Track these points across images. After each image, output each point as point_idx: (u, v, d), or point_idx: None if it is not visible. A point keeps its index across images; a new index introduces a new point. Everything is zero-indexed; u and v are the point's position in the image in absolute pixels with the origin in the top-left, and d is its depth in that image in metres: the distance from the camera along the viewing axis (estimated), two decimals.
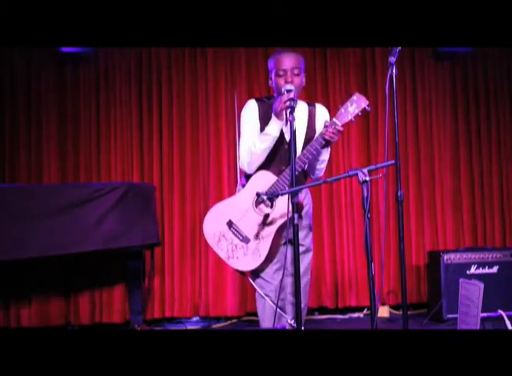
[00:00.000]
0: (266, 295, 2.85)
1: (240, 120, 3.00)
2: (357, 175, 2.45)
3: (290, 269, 2.76)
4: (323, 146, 2.73)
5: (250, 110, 2.93)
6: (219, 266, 4.63)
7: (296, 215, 2.49)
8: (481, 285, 3.26)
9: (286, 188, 2.71)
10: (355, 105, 2.67)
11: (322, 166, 2.92)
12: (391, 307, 4.81)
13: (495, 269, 4.39)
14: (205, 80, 4.85)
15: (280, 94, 2.81)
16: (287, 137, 2.83)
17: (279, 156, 2.84)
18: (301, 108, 2.90)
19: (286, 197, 2.60)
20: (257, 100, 2.97)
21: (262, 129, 2.85)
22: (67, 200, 3.70)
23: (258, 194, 2.72)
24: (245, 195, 2.87)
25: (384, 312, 4.69)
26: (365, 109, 2.68)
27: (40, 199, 3.65)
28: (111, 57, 4.77)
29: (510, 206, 5.13)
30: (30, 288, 4.47)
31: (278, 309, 2.78)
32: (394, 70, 2.56)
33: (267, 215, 2.79)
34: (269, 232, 2.78)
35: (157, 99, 4.80)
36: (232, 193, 4.64)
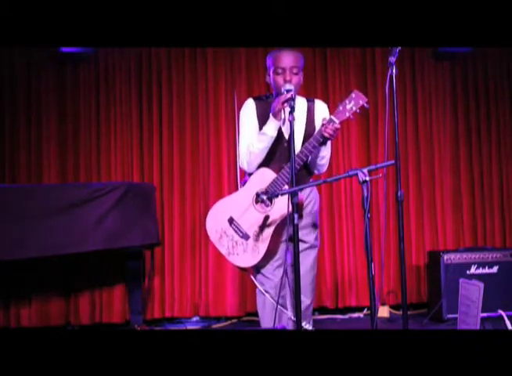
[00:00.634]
0: (266, 292, 2.86)
1: (239, 119, 3.01)
2: (357, 175, 2.45)
3: (291, 267, 2.77)
4: (321, 143, 2.73)
5: (248, 110, 2.94)
6: (219, 266, 4.63)
7: (296, 215, 2.49)
8: (481, 285, 3.26)
9: (286, 185, 2.73)
10: (354, 102, 2.67)
11: (323, 162, 2.92)
12: (391, 307, 4.81)
13: (495, 269, 4.39)
14: (205, 80, 4.85)
15: (279, 92, 2.82)
16: (286, 135, 2.84)
17: (278, 153, 2.85)
18: (300, 104, 2.90)
19: (280, 196, 2.62)
20: (255, 99, 2.98)
21: (261, 127, 2.87)
22: (67, 200, 3.70)
23: (258, 194, 2.73)
24: (246, 192, 2.89)
25: (383, 312, 4.69)
26: (363, 106, 2.68)
27: (40, 199, 3.65)
28: (111, 57, 4.77)
29: (510, 206, 5.13)
30: (30, 288, 4.47)
31: (279, 306, 2.79)
32: (394, 70, 2.56)
33: (266, 213, 2.81)
34: (268, 229, 2.80)
35: (157, 99, 4.80)
36: (232, 192, 4.65)
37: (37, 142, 4.65)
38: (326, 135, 2.68)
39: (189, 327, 4.62)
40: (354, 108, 2.67)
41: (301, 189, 2.76)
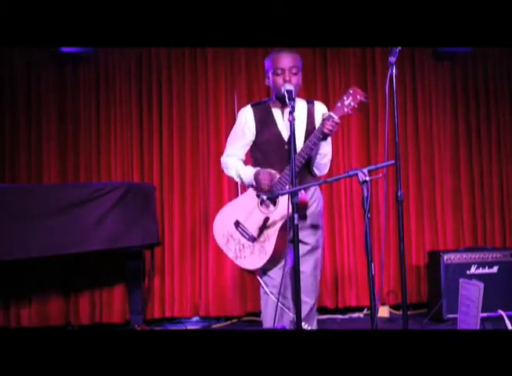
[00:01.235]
0: (270, 291, 2.85)
1: (235, 123, 3.04)
2: (357, 175, 2.45)
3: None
4: (321, 139, 2.74)
5: (243, 119, 2.96)
6: (219, 266, 4.63)
7: (296, 216, 2.49)
8: (481, 285, 3.26)
9: (288, 185, 2.74)
10: (352, 98, 2.68)
11: (325, 161, 2.92)
12: (391, 307, 4.81)
13: (495, 269, 4.39)
14: (205, 80, 4.85)
15: (278, 93, 2.82)
16: (286, 138, 2.85)
17: (280, 156, 2.85)
18: (300, 106, 2.91)
19: (280, 196, 2.63)
20: (253, 105, 2.99)
21: (258, 132, 2.91)
22: (67, 200, 3.71)
23: (258, 195, 2.73)
24: (251, 194, 2.91)
25: (383, 312, 4.69)
26: (361, 101, 2.69)
27: (40, 199, 3.65)
28: (111, 57, 4.77)
29: (510, 206, 5.13)
30: (30, 288, 4.47)
31: (282, 306, 2.79)
32: (394, 70, 2.56)
33: (271, 214, 2.81)
34: (273, 230, 2.80)
35: (157, 99, 4.80)
36: (232, 192, 4.66)
37: (37, 142, 4.65)
38: (325, 130, 2.69)
39: (189, 327, 4.63)
40: (352, 103, 2.68)
41: (303, 189, 2.76)
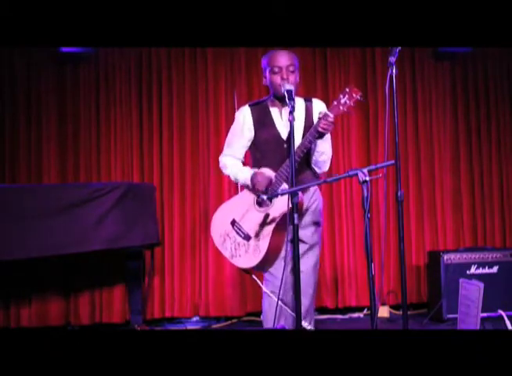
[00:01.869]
0: (274, 291, 2.84)
1: (233, 123, 3.04)
2: (357, 175, 2.45)
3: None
4: (317, 138, 2.74)
5: (241, 119, 2.97)
6: (219, 266, 4.63)
7: (296, 215, 2.49)
8: (481, 285, 3.26)
9: (284, 182, 2.74)
10: (348, 96, 2.68)
11: (323, 158, 2.92)
12: (391, 307, 4.81)
13: (495, 269, 4.39)
14: (205, 80, 4.85)
15: (276, 91, 2.83)
16: (284, 137, 2.86)
17: (278, 155, 2.85)
18: (298, 104, 2.90)
19: (280, 196, 2.63)
20: (251, 105, 3.00)
21: (256, 131, 2.92)
22: (67, 200, 3.71)
23: (258, 195, 2.73)
24: (247, 193, 2.93)
25: (384, 312, 4.69)
26: (358, 100, 2.69)
27: (40, 199, 3.65)
28: (111, 57, 4.77)
29: (510, 206, 5.13)
30: (30, 288, 4.47)
31: (285, 307, 2.79)
32: (394, 70, 2.56)
33: (266, 212, 2.81)
34: (268, 228, 2.81)
35: (157, 99, 4.80)
36: (232, 192, 4.65)
37: (37, 142, 4.65)
38: (320, 129, 2.69)
39: (189, 327, 4.62)
40: (348, 102, 2.68)
41: (302, 189, 2.77)
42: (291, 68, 2.82)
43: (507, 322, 3.57)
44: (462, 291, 3.48)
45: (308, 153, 2.85)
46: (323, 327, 4.49)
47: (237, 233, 2.88)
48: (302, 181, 2.76)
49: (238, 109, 3.12)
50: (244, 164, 3.06)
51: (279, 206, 2.77)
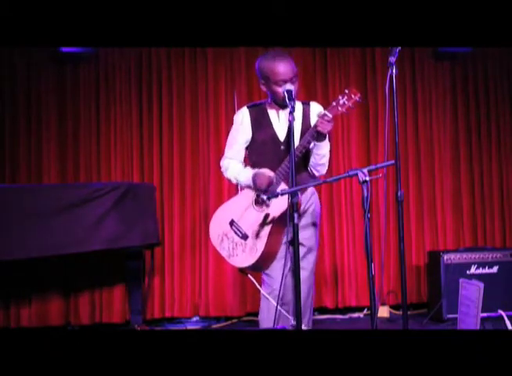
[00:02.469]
0: (274, 290, 2.83)
1: (232, 126, 3.05)
2: (357, 175, 2.45)
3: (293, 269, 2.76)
4: (315, 138, 2.75)
5: (240, 121, 2.98)
6: (219, 266, 4.63)
7: (296, 215, 2.49)
8: (481, 285, 3.26)
9: (283, 182, 2.75)
10: (347, 97, 2.69)
11: (323, 161, 2.92)
12: (391, 307, 4.81)
13: (495, 269, 4.39)
14: (205, 80, 4.85)
15: (278, 101, 2.84)
16: (281, 138, 2.86)
17: (276, 157, 2.86)
18: (296, 107, 2.90)
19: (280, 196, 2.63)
20: (249, 107, 3.01)
21: (254, 133, 2.93)
22: (67, 200, 3.71)
23: (258, 195, 2.74)
24: (245, 193, 2.94)
25: (383, 312, 4.69)
26: (356, 101, 2.69)
27: (40, 199, 3.65)
28: (111, 57, 4.77)
29: (510, 206, 5.13)
30: (30, 288, 4.47)
31: (281, 310, 2.79)
32: (394, 70, 2.57)
33: (264, 212, 2.82)
34: (266, 228, 2.82)
35: (157, 99, 4.80)
36: (231, 192, 4.65)
37: (37, 142, 4.65)
38: (319, 129, 2.70)
39: (189, 327, 4.62)
40: (347, 103, 2.69)
41: (302, 190, 2.77)
42: (294, 79, 2.82)
43: (507, 322, 3.56)
44: (462, 291, 3.48)
45: (305, 155, 2.85)
46: (323, 327, 4.49)
47: (235, 232, 2.89)
48: (299, 182, 2.76)
49: (238, 109, 3.12)
50: (244, 165, 3.06)
51: (278, 206, 2.78)
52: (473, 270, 4.37)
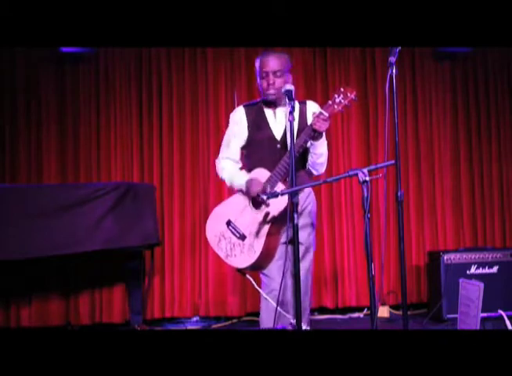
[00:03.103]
0: (273, 290, 2.83)
1: (228, 125, 3.06)
2: (357, 175, 2.45)
3: (291, 270, 2.77)
4: (312, 137, 2.75)
5: (237, 120, 2.99)
6: (219, 266, 4.63)
7: (296, 215, 2.49)
8: (481, 285, 3.26)
9: (280, 181, 2.75)
10: (342, 96, 2.69)
11: (321, 160, 2.93)
12: (391, 307, 4.81)
13: (495, 269, 4.39)
14: (205, 80, 4.85)
15: (265, 95, 2.86)
16: (278, 137, 2.87)
17: (271, 156, 2.86)
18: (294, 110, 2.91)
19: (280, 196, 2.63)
20: (245, 106, 3.02)
21: (251, 133, 2.94)
22: (67, 200, 3.71)
23: (258, 195, 2.74)
24: (243, 194, 2.91)
25: (384, 312, 4.69)
26: (352, 99, 2.70)
27: (40, 199, 3.65)
28: (111, 57, 4.77)
29: (510, 206, 5.13)
30: (30, 288, 4.47)
31: (281, 310, 2.79)
32: (394, 70, 2.56)
33: (263, 212, 2.82)
34: (264, 228, 2.82)
35: (157, 98, 4.80)
36: (232, 192, 4.65)
37: (37, 142, 4.65)
38: (315, 127, 2.70)
39: (189, 327, 4.62)
40: (343, 101, 2.70)
41: (301, 190, 2.76)
42: (278, 73, 2.84)
43: (507, 322, 3.56)
44: (462, 291, 3.48)
45: (303, 154, 2.86)
46: (323, 327, 4.49)
47: (232, 233, 2.88)
48: (297, 181, 2.75)
49: None
50: (241, 167, 3.06)
51: (277, 206, 2.77)
52: (473, 270, 4.37)
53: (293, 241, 2.51)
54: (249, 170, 2.95)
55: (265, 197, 2.68)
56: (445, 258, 4.37)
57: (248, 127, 2.95)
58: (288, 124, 2.63)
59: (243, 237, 2.85)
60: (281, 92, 2.77)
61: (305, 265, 2.91)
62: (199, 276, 4.73)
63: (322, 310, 4.84)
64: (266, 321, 2.85)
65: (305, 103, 2.99)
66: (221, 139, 4.72)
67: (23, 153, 4.62)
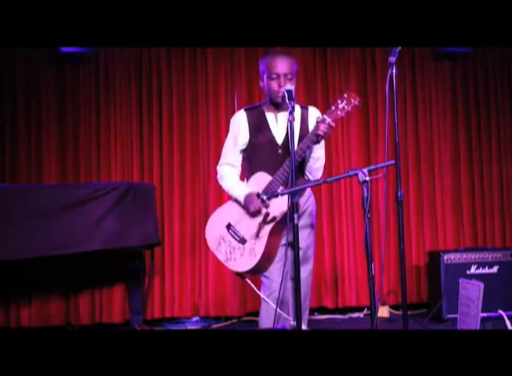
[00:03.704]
0: (274, 291, 2.83)
1: (229, 129, 3.04)
2: (357, 175, 2.45)
3: (291, 272, 2.76)
4: (315, 142, 2.75)
5: (238, 123, 2.97)
6: (219, 266, 4.61)
7: (296, 215, 2.49)
8: (481, 285, 3.26)
9: (281, 186, 2.74)
10: (346, 102, 2.68)
11: (317, 165, 2.92)
12: (391, 307, 4.81)
13: (495, 269, 4.39)
14: (205, 80, 4.85)
15: (273, 97, 2.84)
16: (279, 142, 2.86)
17: (273, 160, 2.85)
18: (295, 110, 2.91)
19: (280, 196, 2.63)
20: (247, 110, 3.01)
21: (252, 136, 2.92)
22: (67, 200, 3.70)
23: (258, 195, 2.73)
24: None
25: (384, 312, 4.69)
26: (355, 105, 2.69)
27: (40, 199, 3.65)
28: (111, 57, 4.77)
29: (510, 206, 5.13)
30: (30, 288, 4.47)
31: (281, 312, 2.78)
32: (394, 70, 2.56)
33: (262, 215, 2.81)
34: (264, 231, 2.81)
35: (157, 99, 4.80)
36: None
37: (37, 142, 4.65)
38: (319, 132, 2.69)
39: (189, 327, 4.62)
40: (346, 107, 2.69)
41: (303, 193, 2.77)
42: (289, 76, 2.82)
43: (507, 322, 3.57)
44: (462, 291, 3.48)
45: (302, 160, 2.85)
46: (323, 327, 4.49)
47: (232, 236, 2.88)
48: (296, 186, 2.75)
49: (238, 109, 3.11)
50: (241, 174, 3.06)
51: (277, 207, 2.77)
52: (473, 270, 4.37)
53: (293, 241, 2.51)
54: (250, 173, 2.94)
55: (265, 197, 2.68)
56: (445, 258, 4.37)
57: (249, 131, 2.93)
58: (288, 124, 2.63)
59: (243, 241, 2.84)
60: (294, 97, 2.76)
61: (306, 266, 2.90)
62: (199, 276, 4.73)
63: (322, 310, 4.84)
64: (266, 322, 2.84)
65: (307, 109, 2.98)
66: (222, 139, 4.76)
67: (23, 153, 4.62)
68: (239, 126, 2.96)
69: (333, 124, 2.69)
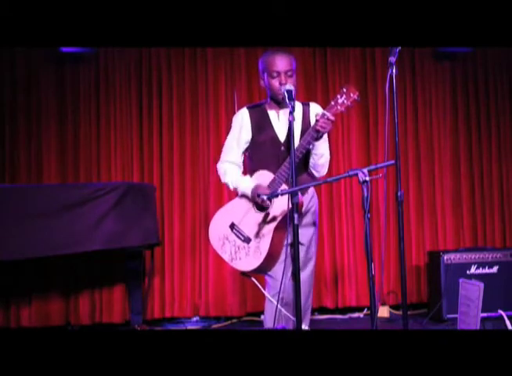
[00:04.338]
0: (273, 295, 2.83)
1: (231, 127, 3.04)
2: (357, 175, 2.45)
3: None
4: (315, 139, 2.74)
5: (240, 121, 2.97)
6: (219, 266, 4.63)
7: (296, 215, 2.49)
8: (481, 285, 3.26)
9: (284, 184, 2.74)
10: (345, 96, 2.68)
11: (322, 161, 2.92)
12: (391, 307, 4.81)
13: (495, 269, 4.39)
14: (205, 80, 4.85)
15: (274, 95, 2.83)
16: (282, 139, 2.86)
17: (275, 158, 2.86)
18: (296, 107, 2.90)
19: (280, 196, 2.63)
20: (249, 108, 3.01)
21: (254, 135, 2.92)
22: (67, 200, 3.70)
23: (259, 195, 2.74)
24: (245, 196, 2.89)
25: (384, 312, 4.69)
26: (355, 100, 2.69)
27: (40, 199, 3.65)
28: (111, 57, 4.77)
29: (510, 206, 5.13)
30: (30, 288, 4.47)
31: (285, 312, 2.79)
32: (394, 70, 2.57)
33: (266, 214, 2.81)
34: (268, 229, 2.80)
35: (157, 99, 4.80)
36: (232, 192, 4.64)
37: (37, 142, 4.65)
38: (319, 128, 2.70)
39: (189, 327, 4.62)
40: (346, 102, 2.69)
41: (302, 190, 2.76)
42: (289, 73, 2.83)
43: (507, 322, 3.57)
44: (462, 291, 3.48)
45: (305, 156, 2.85)
46: (323, 327, 4.49)
47: (237, 236, 2.87)
48: (299, 183, 2.75)
49: (238, 109, 3.11)
50: (244, 169, 3.06)
51: (279, 207, 2.77)
52: (473, 270, 4.37)
53: (294, 240, 2.51)
54: (252, 171, 2.94)
55: (265, 197, 2.68)
56: (445, 258, 4.37)
57: (251, 129, 2.94)
58: (291, 123, 2.63)
59: (247, 240, 2.84)
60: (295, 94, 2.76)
61: (308, 266, 2.91)
62: (199, 276, 4.73)
63: (322, 310, 4.84)
64: (270, 322, 2.84)
65: (308, 105, 2.98)
66: (222, 139, 4.76)
67: (23, 153, 4.62)
68: (242, 124, 2.96)
69: (332, 117, 2.68)
